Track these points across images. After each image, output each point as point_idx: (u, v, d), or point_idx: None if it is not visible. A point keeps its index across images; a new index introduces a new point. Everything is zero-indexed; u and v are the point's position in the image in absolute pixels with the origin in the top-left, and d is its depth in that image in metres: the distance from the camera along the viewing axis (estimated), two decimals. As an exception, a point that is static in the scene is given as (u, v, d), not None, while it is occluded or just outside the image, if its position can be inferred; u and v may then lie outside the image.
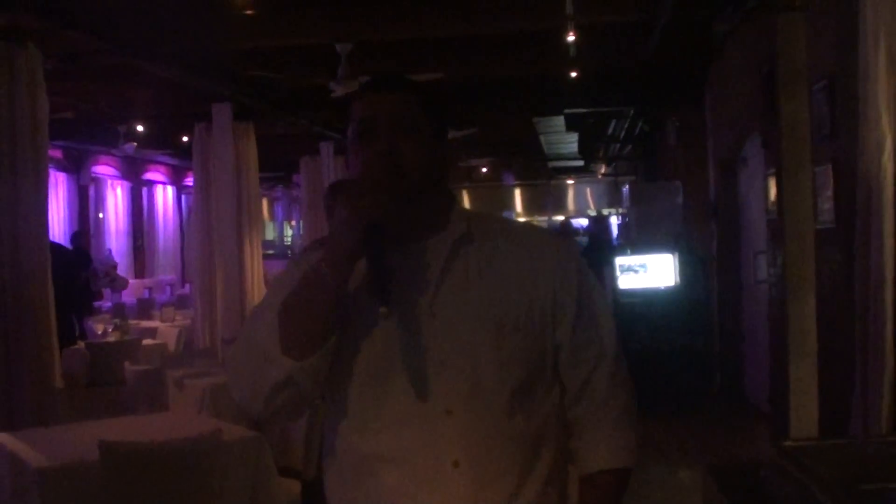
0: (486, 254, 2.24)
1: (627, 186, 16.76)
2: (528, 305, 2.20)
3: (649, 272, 11.11)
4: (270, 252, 26.07)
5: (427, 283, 2.18)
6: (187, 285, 18.83)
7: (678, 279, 10.95)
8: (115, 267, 15.71)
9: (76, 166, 18.02)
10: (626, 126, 16.97)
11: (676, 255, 11.06)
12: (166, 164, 21.66)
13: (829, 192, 5.84)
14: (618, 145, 19.65)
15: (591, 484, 2.27)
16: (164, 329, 12.68)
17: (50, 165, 7.97)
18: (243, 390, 2.20)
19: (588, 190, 28.83)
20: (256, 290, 12.18)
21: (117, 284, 15.40)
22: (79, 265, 13.88)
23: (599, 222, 19.26)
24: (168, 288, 20.13)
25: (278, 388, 2.10)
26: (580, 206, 28.68)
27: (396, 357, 2.14)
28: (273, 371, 2.09)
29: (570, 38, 9.40)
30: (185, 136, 14.98)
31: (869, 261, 4.67)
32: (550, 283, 2.24)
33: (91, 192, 18.95)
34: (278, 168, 21.30)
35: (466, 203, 18.73)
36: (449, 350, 2.14)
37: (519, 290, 2.21)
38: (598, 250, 13.63)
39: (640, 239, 12.45)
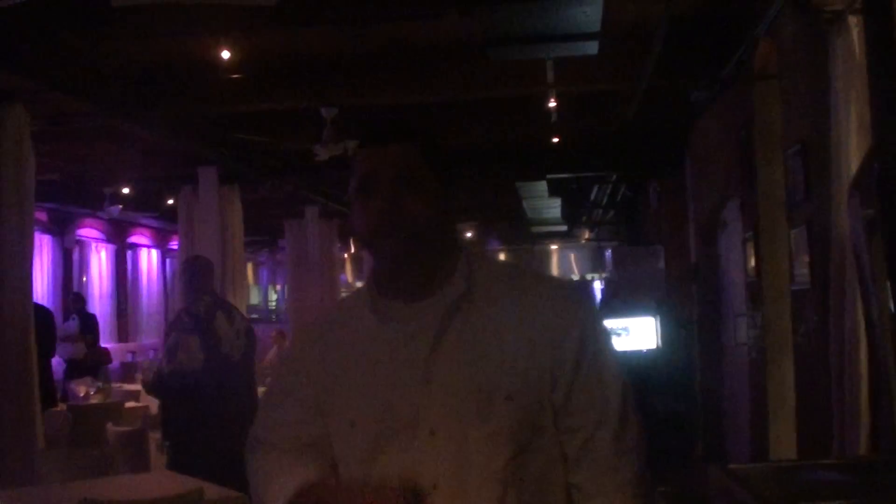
0: (484, 315, 2.12)
1: (610, 251, 16.86)
2: (523, 372, 2.07)
3: (631, 335, 11.18)
4: (255, 316, 26.01)
5: (422, 347, 2.09)
6: (171, 349, 18.73)
7: (660, 342, 11.01)
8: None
9: (61, 229, 18.01)
10: (608, 191, 17.11)
11: (658, 318, 11.13)
12: (151, 228, 21.66)
13: (805, 254, 5.92)
14: (601, 210, 19.80)
15: None
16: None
17: (35, 228, 8.00)
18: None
19: (572, 255, 28.98)
20: (240, 353, 12.16)
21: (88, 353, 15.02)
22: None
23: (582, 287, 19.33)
24: (151, 352, 20.02)
25: None
26: (564, 271, 28.78)
27: (388, 424, 2.08)
28: None
29: (552, 104, 9.53)
30: (171, 198, 15.03)
31: (843, 321, 4.75)
32: (550, 345, 2.10)
33: (75, 254, 18.94)
34: (263, 232, 21.34)
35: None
36: (440, 418, 2.05)
37: (514, 355, 2.08)
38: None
39: (622, 302, 12.52)
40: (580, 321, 2.15)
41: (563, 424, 2.12)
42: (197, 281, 7.14)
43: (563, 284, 2.31)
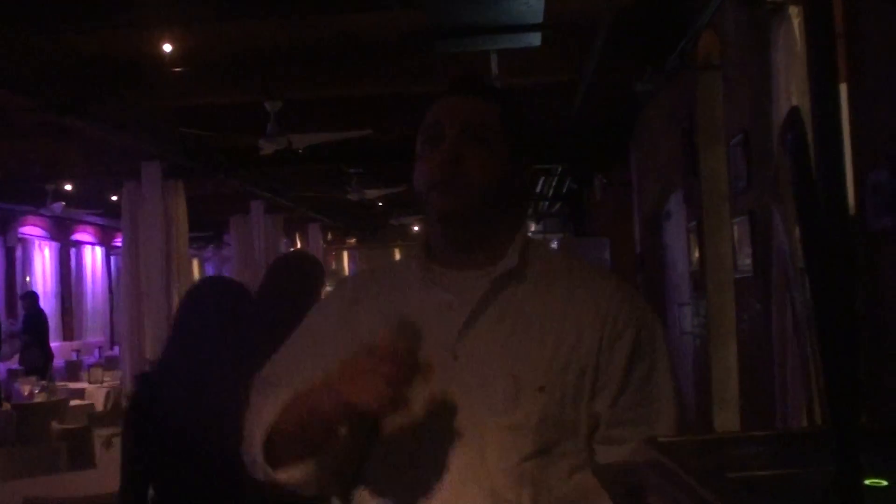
0: (531, 296, 1.94)
1: (556, 243, 16.93)
2: (563, 365, 1.88)
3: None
4: (201, 312, 25.86)
5: (457, 319, 1.92)
6: (116, 347, 18.64)
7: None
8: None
9: (3, 227, 17.83)
10: (553, 184, 17.19)
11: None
12: (95, 225, 21.49)
13: (748, 243, 5.98)
14: (546, 203, 19.88)
15: None
16: (93, 390, 12.56)
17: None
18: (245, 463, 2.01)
19: (518, 248, 29.06)
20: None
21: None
22: None
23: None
24: (97, 350, 19.90)
25: (265, 482, 1.94)
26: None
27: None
28: (257, 471, 1.95)
29: (497, 96, 9.54)
30: (114, 195, 14.91)
31: (785, 308, 4.80)
32: (598, 344, 1.90)
33: (18, 253, 18.74)
34: (208, 228, 21.23)
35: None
36: (461, 399, 1.87)
37: (557, 345, 1.89)
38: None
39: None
40: (637, 325, 1.94)
41: (606, 435, 1.90)
42: None
43: (624, 284, 2.07)
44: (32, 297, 16.11)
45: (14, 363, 15.14)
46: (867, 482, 0.99)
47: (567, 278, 1.99)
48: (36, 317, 15.55)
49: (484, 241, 1.99)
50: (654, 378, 1.93)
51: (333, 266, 31.05)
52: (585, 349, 1.90)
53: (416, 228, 26.29)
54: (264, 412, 1.91)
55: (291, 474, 1.91)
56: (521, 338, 1.90)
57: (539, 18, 6.85)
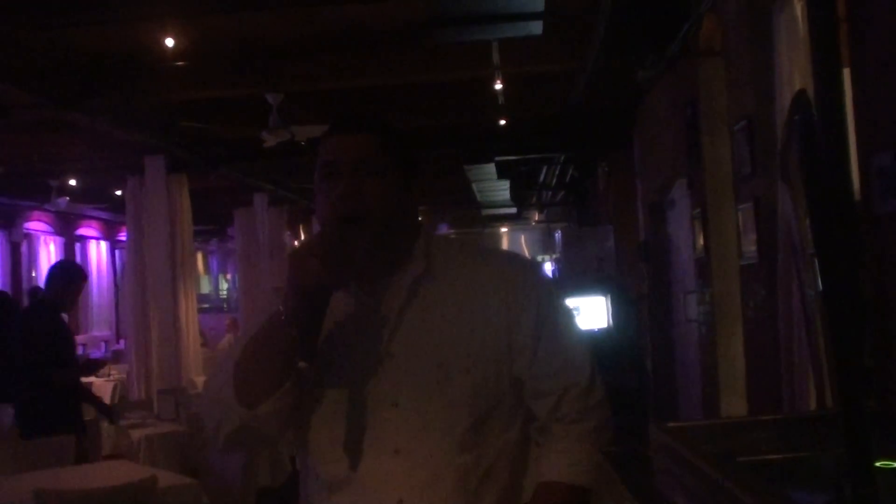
0: (442, 293, 2.23)
1: (560, 232, 16.93)
2: (481, 346, 2.19)
3: (582, 315, 11.23)
4: (206, 306, 25.89)
5: (385, 324, 2.20)
6: (122, 341, 18.64)
7: (611, 321, 11.08)
8: None
9: (8, 223, 17.83)
10: (556, 172, 17.17)
11: (609, 297, 11.20)
12: (99, 219, 21.47)
13: (752, 230, 5.97)
14: (550, 192, 19.86)
15: (544, 493, 2.20)
16: (100, 384, 12.55)
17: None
18: (208, 432, 2.25)
19: (522, 237, 29.02)
20: (192, 343, 12.14)
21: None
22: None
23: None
24: (103, 344, 19.92)
25: (235, 433, 2.16)
26: (515, 254, 28.70)
27: (354, 396, 2.17)
28: (229, 418, 2.14)
29: (498, 86, 9.55)
30: (119, 189, 14.90)
31: (791, 294, 4.80)
32: (507, 318, 2.21)
33: (24, 248, 18.75)
34: (212, 221, 21.22)
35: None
36: (402, 391, 2.15)
37: (472, 330, 2.20)
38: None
39: (572, 282, 12.57)
40: (536, 293, 2.26)
41: (533, 389, 2.23)
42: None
43: (518, 258, 2.42)
44: (36, 291, 16.12)
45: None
46: (878, 464, 0.99)
47: (468, 266, 2.29)
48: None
49: (391, 252, 2.23)
50: (561, 333, 2.26)
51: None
52: (498, 327, 2.21)
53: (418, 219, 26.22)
54: (227, 366, 2.16)
55: (259, 410, 2.10)
56: (441, 330, 2.19)
57: (540, 6, 6.85)
